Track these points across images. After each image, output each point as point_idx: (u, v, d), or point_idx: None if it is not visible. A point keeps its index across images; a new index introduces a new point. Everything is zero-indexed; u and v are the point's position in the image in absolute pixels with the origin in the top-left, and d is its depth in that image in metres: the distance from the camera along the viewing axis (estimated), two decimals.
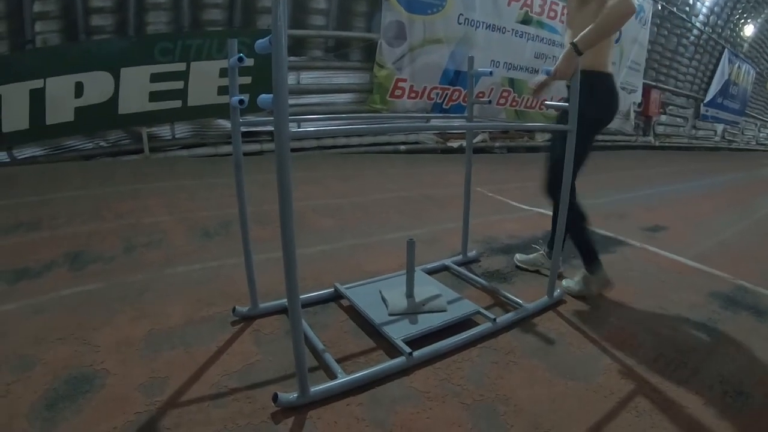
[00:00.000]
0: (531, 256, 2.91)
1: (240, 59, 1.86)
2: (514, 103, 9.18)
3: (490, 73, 2.92)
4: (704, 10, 15.63)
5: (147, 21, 6.27)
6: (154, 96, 6.13)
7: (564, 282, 2.58)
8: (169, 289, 2.40)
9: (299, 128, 1.94)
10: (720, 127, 20.30)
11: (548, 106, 2.57)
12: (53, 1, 5.69)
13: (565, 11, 1.99)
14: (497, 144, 9.25)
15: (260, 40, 1.48)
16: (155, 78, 6.09)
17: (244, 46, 2.10)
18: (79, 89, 5.67)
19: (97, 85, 5.78)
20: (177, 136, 6.66)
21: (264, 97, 1.38)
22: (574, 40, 2.01)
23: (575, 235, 2.50)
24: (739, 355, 2.10)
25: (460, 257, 3.00)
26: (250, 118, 2.80)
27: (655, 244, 3.82)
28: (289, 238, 1.42)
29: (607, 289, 2.54)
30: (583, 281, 2.52)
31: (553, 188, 2.45)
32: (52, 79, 5.50)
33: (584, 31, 2.00)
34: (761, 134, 28.02)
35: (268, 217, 2.85)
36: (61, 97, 5.57)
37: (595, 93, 2.24)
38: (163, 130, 6.56)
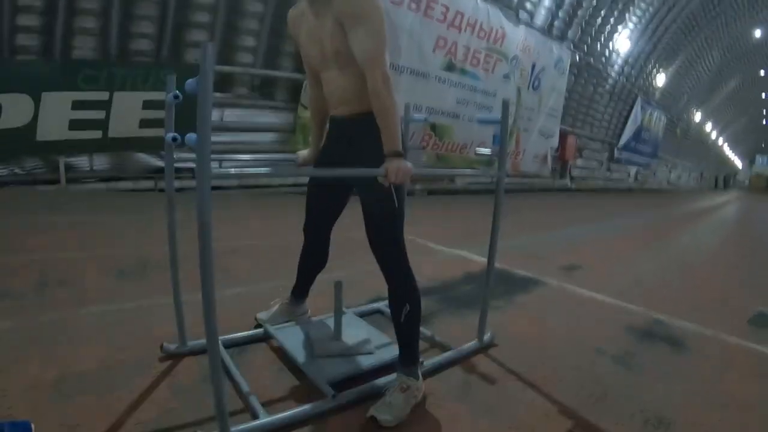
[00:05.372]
0: (274, 309, 2.57)
1: (176, 96, 1.90)
2: (435, 147, 9.77)
3: (425, 119, 2.96)
4: (619, 60, 17.46)
5: (73, 45, 6.30)
6: (75, 124, 6.10)
7: (376, 412, 1.81)
8: (83, 331, 2.33)
9: (220, 167, 2.02)
10: (633, 170, 22.41)
11: (478, 153, 2.60)
12: None
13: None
14: (418, 186, 9.77)
15: (190, 81, 1.55)
16: (77, 105, 6.07)
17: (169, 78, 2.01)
18: None
19: (17, 108, 5.69)
20: (95, 168, 6.63)
21: (191, 137, 1.45)
22: (392, 149, 1.81)
23: (411, 320, 1.99)
24: (657, 384, 2.26)
25: None
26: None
27: (572, 282, 4.00)
28: (209, 278, 1.45)
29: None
30: (406, 398, 1.89)
31: (382, 250, 2.02)
32: None
33: (386, 135, 1.82)
34: (672, 175, 31.07)
35: (186, 258, 2.41)
36: None
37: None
38: (82, 161, 6.51)
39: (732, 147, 53.94)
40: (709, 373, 2.50)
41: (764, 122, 47.42)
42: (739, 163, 67.06)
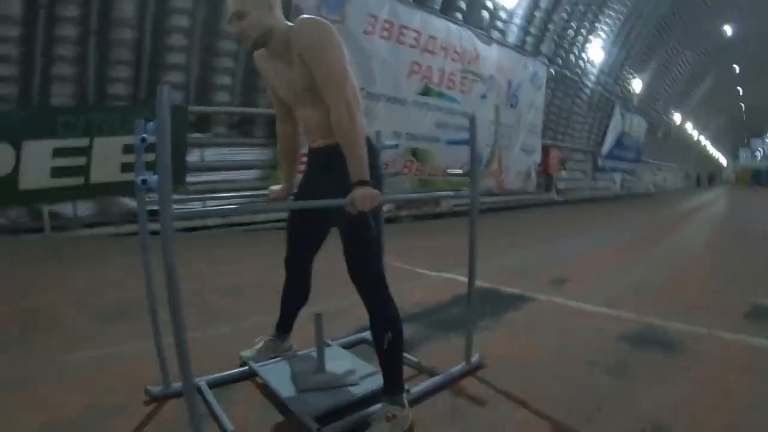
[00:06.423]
0: (259, 346, 2.55)
1: (143, 140, 1.93)
2: (417, 172, 9.82)
3: (396, 145, 3.20)
4: (594, 70, 17.81)
5: (52, 92, 6.35)
6: (56, 172, 6.13)
7: None
8: (66, 377, 2.33)
9: (205, 206, 2.05)
10: (618, 177, 22.66)
11: (450, 174, 2.67)
12: None
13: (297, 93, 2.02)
14: (404, 213, 9.77)
15: (150, 123, 1.59)
16: (58, 153, 6.12)
17: (147, 121, 2.03)
18: None
19: None
20: (79, 215, 6.62)
21: (153, 178, 1.50)
22: (357, 177, 1.83)
23: (393, 348, 2.00)
24: (652, 391, 2.23)
25: None
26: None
27: (561, 296, 3.98)
28: (179, 319, 1.49)
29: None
30: (392, 427, 1.88)
31: (362, 279, 2.03)
32: None
33: (351, 164, 1.85)
34: (657, 178, 31.47)
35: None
36: None
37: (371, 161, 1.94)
38: (65, 208, 6.51)
39: (714, 144, 54.77)
40: (706, 372, 2.49)
41: (744, 117, 48.31)
42: (723, 159, 68.10)
